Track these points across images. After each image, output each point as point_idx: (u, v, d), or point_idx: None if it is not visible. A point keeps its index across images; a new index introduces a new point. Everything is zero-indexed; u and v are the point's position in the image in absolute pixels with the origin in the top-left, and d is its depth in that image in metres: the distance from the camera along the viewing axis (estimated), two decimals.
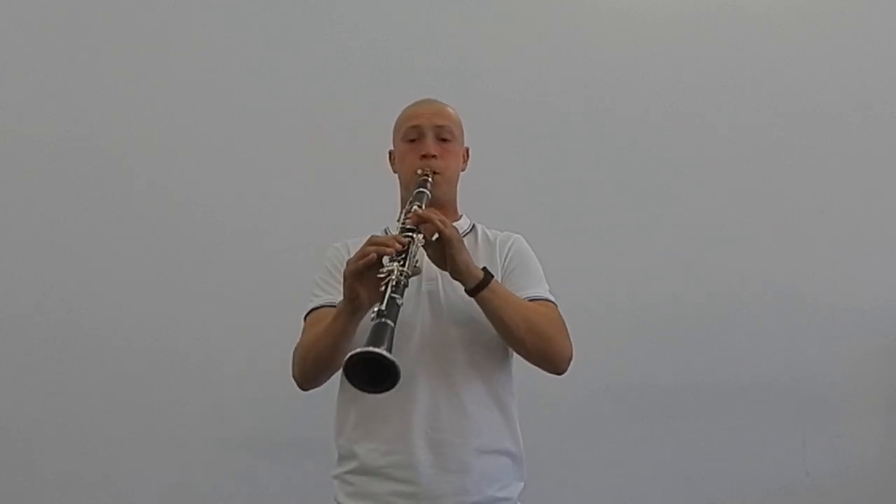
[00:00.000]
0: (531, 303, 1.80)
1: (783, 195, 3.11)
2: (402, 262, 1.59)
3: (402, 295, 1.55)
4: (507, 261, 1.88)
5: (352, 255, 1.68)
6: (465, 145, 2.00)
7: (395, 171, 1.98)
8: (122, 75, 2.93)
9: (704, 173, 3.09)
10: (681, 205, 3.06)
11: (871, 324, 3.06)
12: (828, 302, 3.06)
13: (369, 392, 1.47)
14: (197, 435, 2.82)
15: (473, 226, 1.99)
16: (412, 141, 1.91)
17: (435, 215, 1.69)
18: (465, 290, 1.71)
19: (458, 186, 1.98)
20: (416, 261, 1.63)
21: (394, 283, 1.55)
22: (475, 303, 1.72)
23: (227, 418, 2.83)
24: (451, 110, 1.97)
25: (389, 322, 1.48)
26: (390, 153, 2.00)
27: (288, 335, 1.90)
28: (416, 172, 1.87)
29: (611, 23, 3.13)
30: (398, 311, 1.53)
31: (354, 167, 2.83)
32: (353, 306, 1.65)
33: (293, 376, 1.81)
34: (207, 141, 2.94)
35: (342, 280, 1.67)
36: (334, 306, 1.77)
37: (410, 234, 1.66)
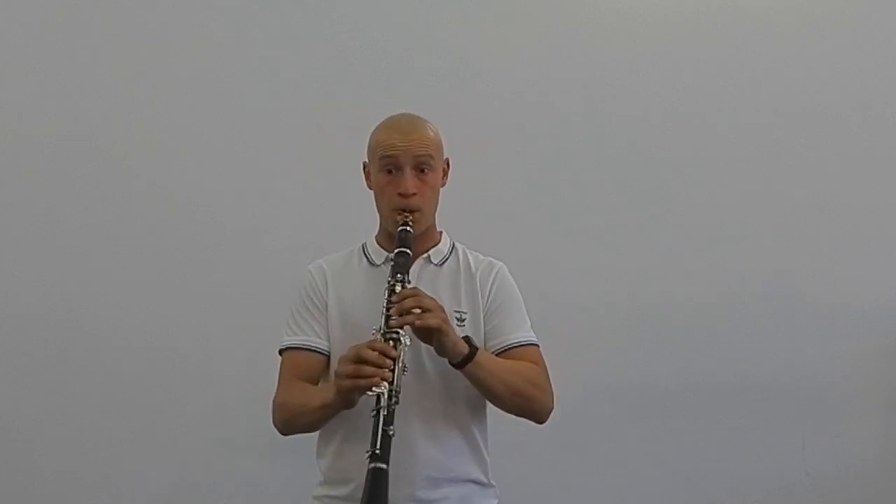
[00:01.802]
0: (515, 365, 1.78)
1: (783, 195, 3.11)
2: (391, 381, 1.58)
3: (392, 422, 1.54)
4: (490, 297, 1.84)
5: (327, 287, 1.83)
6: (445, 157, 1.89)
7: (370, 188, 1.90)
8: (122, 75, 2.92)
9: (704, 173, 3.09)
10: (681, 205, 3.06)
11: (871, 324, 3.06)
12: (828, 302, 3.06)
13: None
14: (197, 435, 2.82)
15: (454, 247, 1.91)
16: (389, 171, 1.81)
17: (418, 304, 1.65)
18: (451, 364, 1.70)
19: (439, 206, 1.88)
20: (405, 366, 1.62)
21: (385, 412, 1.55)
22: None
23: (227, 418, 2.82)
24: (429, 131, 1.84)
25: (385, 467, 1.49)
26: (364, 166, 1.91)
27: None
28: (393, 211, 1.80)
29: (611, 23, 3.12)
30: (390, 444, 1.53)
31: (354, 167, 2.80)
32: (345, 406, 1.67)
33: (273, 424, 1.81)
34: (207, 141, 2.94)
35: (317, 316, 1.82)
36: (311, 349, 1.82)
37: (396, 335, 1.63)
